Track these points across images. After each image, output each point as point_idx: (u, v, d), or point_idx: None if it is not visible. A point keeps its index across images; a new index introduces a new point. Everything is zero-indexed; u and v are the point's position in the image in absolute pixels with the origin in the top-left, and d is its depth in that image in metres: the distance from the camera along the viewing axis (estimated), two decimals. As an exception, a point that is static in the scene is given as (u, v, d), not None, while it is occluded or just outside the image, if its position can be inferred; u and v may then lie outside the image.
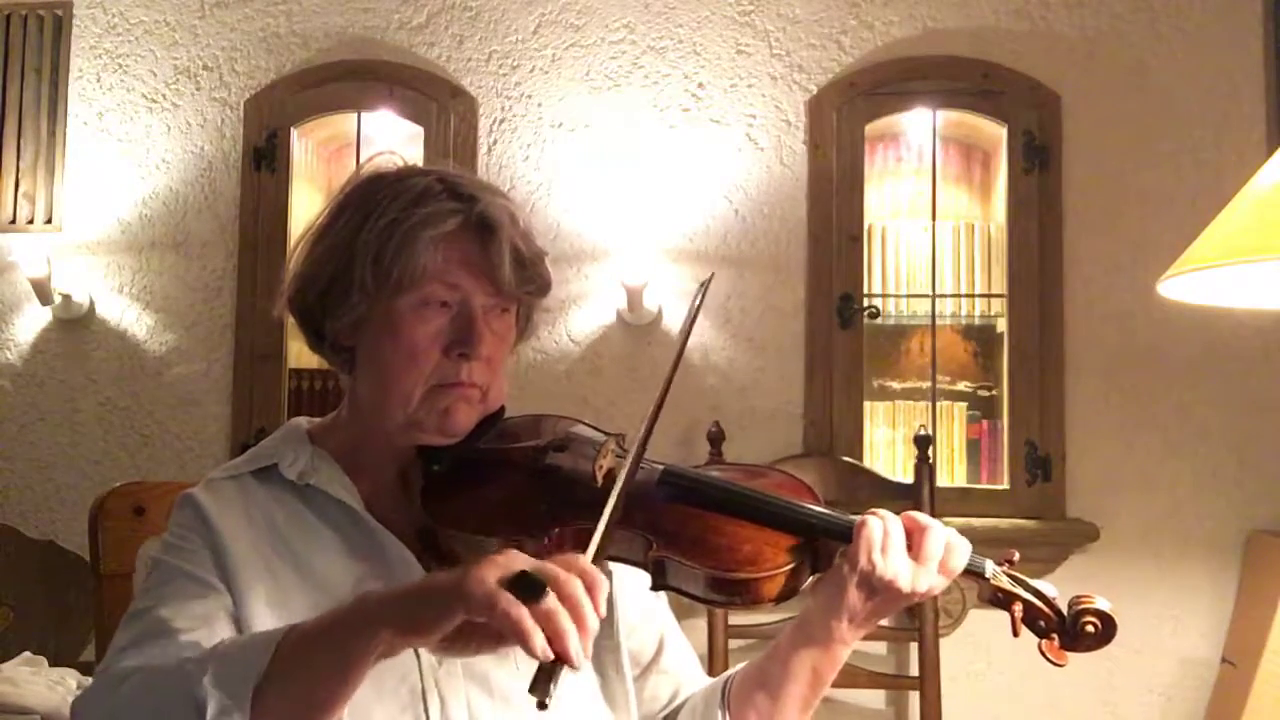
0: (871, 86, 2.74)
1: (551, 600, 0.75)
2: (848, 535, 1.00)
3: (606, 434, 1.10)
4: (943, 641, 2.46)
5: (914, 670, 2.44)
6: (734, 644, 2.46)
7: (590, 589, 0.78)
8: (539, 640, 0.73)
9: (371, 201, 1.03)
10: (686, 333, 1.08)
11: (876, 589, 0.99)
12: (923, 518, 1.01)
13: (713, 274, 1.19)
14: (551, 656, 0.73)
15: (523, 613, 0.73)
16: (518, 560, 0.78)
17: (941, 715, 2.39)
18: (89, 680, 0.95)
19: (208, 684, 0.81)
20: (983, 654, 2.62)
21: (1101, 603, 1.01)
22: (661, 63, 2.80)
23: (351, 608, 0.83)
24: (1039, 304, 2.66)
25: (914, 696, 2.45)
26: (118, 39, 2.94)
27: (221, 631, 0.94)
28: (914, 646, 2.45)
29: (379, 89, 2.85)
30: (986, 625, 2.59)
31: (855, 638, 1.04)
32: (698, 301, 1.08)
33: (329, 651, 0.81)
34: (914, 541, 0.99)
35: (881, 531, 0.98)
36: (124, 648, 0.93)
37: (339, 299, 1.03)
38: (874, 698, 2.66)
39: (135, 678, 0.87)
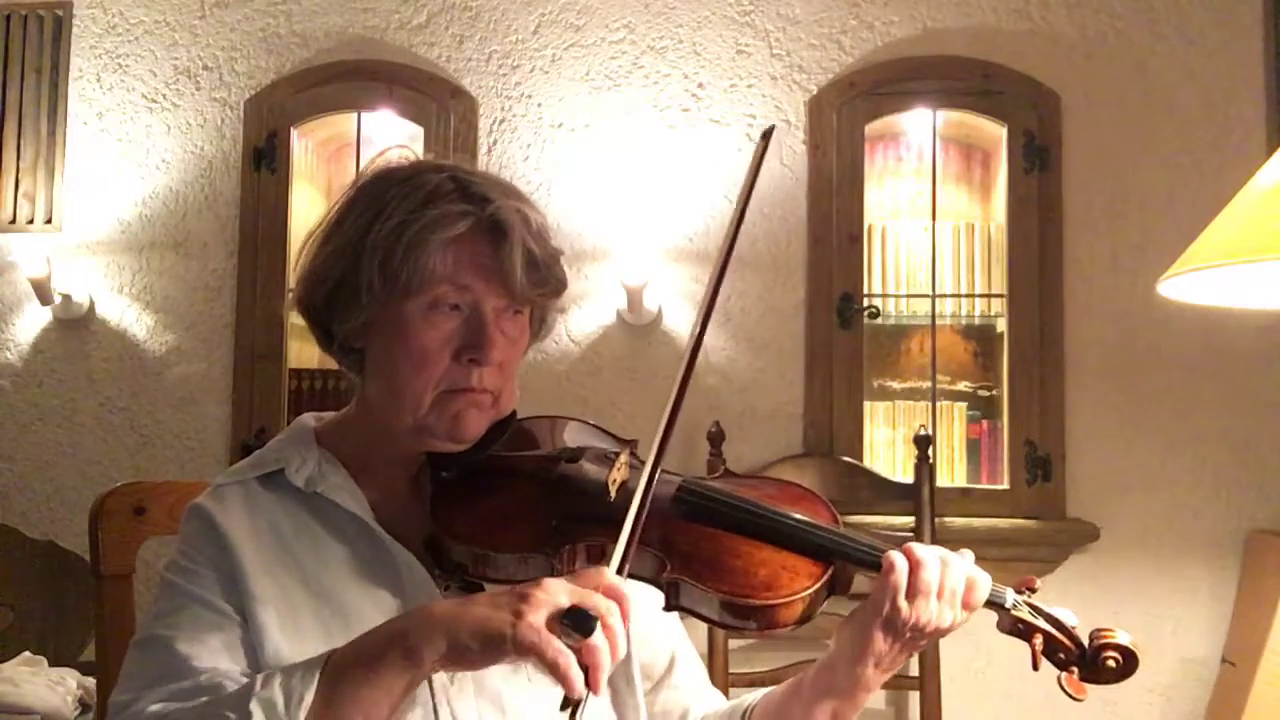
0: (871, 86, 2.74)
1: (598, 634, 0.76)
2: (867, 561, 0.98)
3: (620, 441, 1.07)
4: (943, 641, 2.45)
5: (914, 670, 2.43)
6: (734, 644, 2.46)
7: (622, 609, 0.79)
8: (580, 684, 0.75)
9: (380, 200, 0.99)
10: (740, 214, 1.01)
11: (902, 632, 0.97)
12: (940, 551, 0.99)
13: (774, 125, 1.11)
14: (585, 694, 0.75)
15: (570, 660, 0.75)
16: (558, 591, 0.78)
17: (941, 715, 2.39)
18: (89, 681, 0.95)
19: None
20: (983, 653, 2.62)
21: (1123, 636, 0.99)
22: (661, 63, 2.80)
23: (392, 638, 0.81)
24: (1039, 304, 2.66)
25: (914, 696, 2.45)
26: (118, 39, 2.94)
27: (240, 662, 0.91)
28: (914, 646, 2.45)
29: (379, 89, 2.85)
30: (987, 625, 2.58)
31: (879, 683, 1.02)
32: (758, 162, 1.02)
33: (372, 685, 0.80)
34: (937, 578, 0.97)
35: (907, 575, 0.96)
36: (143, 685, 0.90)
37: (347, 301, 1.00)
38: (874, 697, 2.61)
39: None
